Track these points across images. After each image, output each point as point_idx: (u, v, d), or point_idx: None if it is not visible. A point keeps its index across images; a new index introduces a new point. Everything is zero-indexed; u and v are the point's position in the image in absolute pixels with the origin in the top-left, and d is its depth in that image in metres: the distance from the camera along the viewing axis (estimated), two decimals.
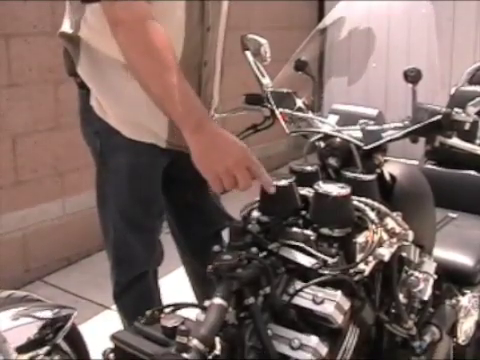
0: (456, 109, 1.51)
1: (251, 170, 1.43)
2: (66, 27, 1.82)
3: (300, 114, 1.75)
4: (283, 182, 1.47)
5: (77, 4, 1.75)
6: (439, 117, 1.51)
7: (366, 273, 1.39)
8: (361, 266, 1.38)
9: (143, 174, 1.90)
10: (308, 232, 1.43)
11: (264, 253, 1.39)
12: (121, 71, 1.75)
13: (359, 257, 1.39)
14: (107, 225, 1.99)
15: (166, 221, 2.18)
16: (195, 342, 1.16)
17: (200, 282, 2.16)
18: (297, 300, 1.33)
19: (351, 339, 1.38)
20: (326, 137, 1.64)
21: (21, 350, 1.68)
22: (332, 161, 1.60)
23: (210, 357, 1.20)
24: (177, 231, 2.20)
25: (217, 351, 1.22)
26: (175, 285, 2.65)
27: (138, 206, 1.94)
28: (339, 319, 1.31)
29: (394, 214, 1.51)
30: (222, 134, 1.46)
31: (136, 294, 2.01)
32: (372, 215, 1.45)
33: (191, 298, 2.20)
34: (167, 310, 1.37)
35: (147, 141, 1.84)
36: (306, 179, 1.55)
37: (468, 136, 1.53)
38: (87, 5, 1.71)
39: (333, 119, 1.69)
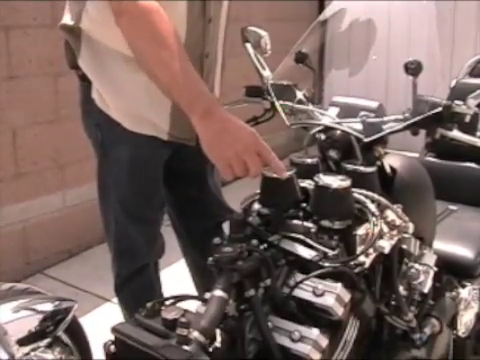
0: (456, 101, 1.51)
1: (261, 155, 1.41)
2: (67, 19, 1.82)
3: (300, 106, 1.75)
4: None
5: None
6: (439, 109, 1.51)
7: (366, 265, 1.39)
8: (361, 258, 1.38)
9: (144, 166, 1.90)
10: (308, 224, 1.43)
11: (264, 245, 1.39)
12: (122, 63, 1.75)
13: (359, 249, 1.40)
14: (108, 217, 1.99)
15: (167, 213, 2.18)
16: (195, 334, 1.17)
17: (201, 273, 2.16)
18: (297, 292, 1.34)
19: (351, 331, 1.38)
20: (326, 129, 1.64)
21: (22, 342, 1.68)
22: (332, 153, 1.60)
23: (210, 349, 1.21)
24: (178, 223, 2.20)
25: (217, 343, 1.23)
26: (176, 277, 2.66)
27: (139, 198, 1.94)
28: (339, 311, 1.31)
29: (394, 206, 1.51)
30: (231, 119, 1.45)
31: (137, 286, 2.02)
32: (372, 207, 1.45)
33: (192, 290, 2.21)
34: (168, 302, 1.37)
35: (148, 133, 1.84)
36: (306, 171, 1.55)
37: (468, 128, 1.53)
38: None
39: (333, 111, 1.69)
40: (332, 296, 1.31)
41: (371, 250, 1.40)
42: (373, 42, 1.82)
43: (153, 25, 1.52)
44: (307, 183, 1.53)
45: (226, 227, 1.61)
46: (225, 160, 1.41)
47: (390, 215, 1.49)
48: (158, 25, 1.52)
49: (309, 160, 1.60)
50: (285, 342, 1.28)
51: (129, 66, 1.73)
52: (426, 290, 1.59)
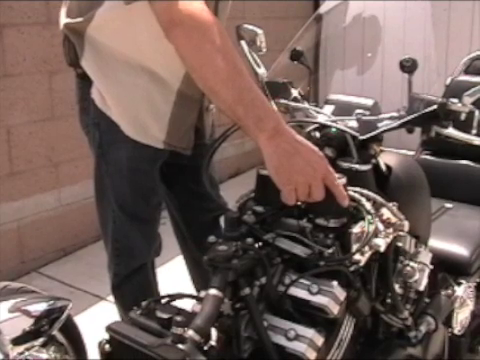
0: (452, 99, 1.50)
1: (326, 181, 1.34)
2: (72, 19, 1.78)
3: (295, 104, 1.74)
4: None
5: None
6: (435, 107, 1.50)
7: (362, 263, 1.39)
8: (357, 256, 1.38)
9: (143, 167, 1.89)
10: (304, 222, 1.43)
11: (260, 244, 1.39)
12: (126, 67, 1.74)
13: (355, 247, 1.39)
14: (106, 217, 1.98)
15: (166, 208, 2.17)
16: (191, 333, 1.16)
17: (198, 267, 2.16)
18: (293, 291, 1.34)
19: (347, 329, 1.38)
20: (322, 127, 1.63)
21: (16, 342, 1.68)
22: (328, 151, 1.59)
23: (206, 348, 1.20)
24: (178, 217, 2.19)
25: (213, 342, 1.23)
26: (171, 276, 2.65)
27: (138, 198, 1.93)
28: (335, 310, 1.31)
29: (390, 204, 1.50)
30: (301, 141, 1.35)
31: (135, 285, 2.01)
32: (368, 205, 1.45)
33: (187, 288, 2.20)
34: (163, 301, 1.37)
35: (142, 141, 1.83)
36: None
37: (464, 126, 1.52)
38: (106, 1, 1.66)
39: (329, 109, 1.68)
40: (327, 294, 1.31)
41: (366, 248, 1.39)
42: (379, 40, 1.81)
43: (213, 38, 1.38)
44: None
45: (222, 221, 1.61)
46: (293, 185, 1.33)
47: (385, 213, 1.49)
48: (218, 38, 1.38)
49: None
50: (281, 341, 1.28)
51: (132, 70, 1.72)
52: (421, 288, 1.59)
